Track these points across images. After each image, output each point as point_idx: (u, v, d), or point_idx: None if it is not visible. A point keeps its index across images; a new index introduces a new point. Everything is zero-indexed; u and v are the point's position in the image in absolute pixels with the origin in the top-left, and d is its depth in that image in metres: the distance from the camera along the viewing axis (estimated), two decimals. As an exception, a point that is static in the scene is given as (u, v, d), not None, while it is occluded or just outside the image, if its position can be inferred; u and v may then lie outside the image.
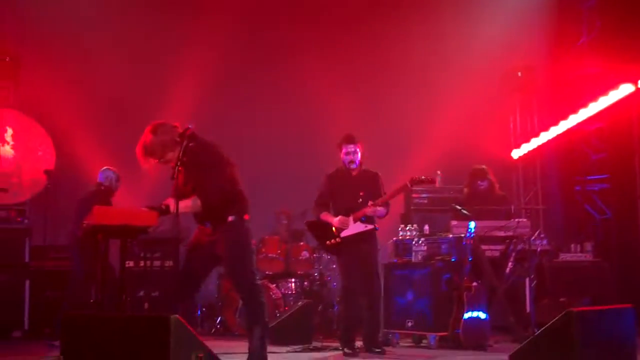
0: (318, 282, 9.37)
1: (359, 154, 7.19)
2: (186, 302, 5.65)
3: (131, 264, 8.94)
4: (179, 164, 5.27)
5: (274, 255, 9.33)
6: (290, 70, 10.76)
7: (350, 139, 7.19)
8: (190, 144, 5.36)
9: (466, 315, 7.16)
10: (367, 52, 10.79)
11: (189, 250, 5.71)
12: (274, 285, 9.05)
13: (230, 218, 5.54)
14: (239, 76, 10.62)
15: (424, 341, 7.60)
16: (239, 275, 5.64)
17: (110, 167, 8.64)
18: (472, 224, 7.26)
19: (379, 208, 7.00)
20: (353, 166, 7.19)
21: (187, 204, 5.39)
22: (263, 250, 9.34)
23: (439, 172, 9.35)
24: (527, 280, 7.89)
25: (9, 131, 9.38)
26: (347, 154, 7.17)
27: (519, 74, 10.57)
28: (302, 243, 9.49)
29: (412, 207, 9.39)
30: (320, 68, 10.63)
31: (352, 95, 10.72)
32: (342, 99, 10.61)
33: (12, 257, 8.85)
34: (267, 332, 5.67)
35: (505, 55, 10.35)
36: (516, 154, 10.75)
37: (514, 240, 7.88)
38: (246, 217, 5.65)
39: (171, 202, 5.28)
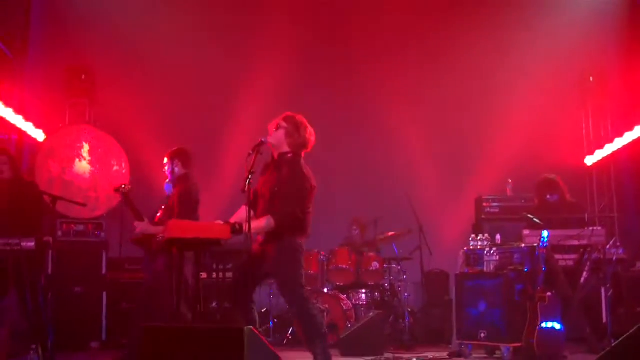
0: (389, 293, 9.35)
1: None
2: (243, 311, 5.66)
3: (204, 275, 9.08)
4: (250, 176, 5.35)
5: (345, 267, 9.33)
6: (360, 82, 10.83)
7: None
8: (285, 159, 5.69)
9: (541, 326, 7.04)
10: (433, 61, 10.71)
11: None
12: (345, 296, 9.06)
13: (285, 236, 5.61)
14: (308, 88, 10.68)
15: (498, 352, 7.50)
16: (289, 291, 5.69)
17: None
18: (546, 233, 7.14)
19: None
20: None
21: (261, 225, 5.51)
22: (333, 261, 9.37)
23: (509, 181, 9.26)
24: (603, 290, 7.72)
25: (86, 147, 9.60)
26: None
27: (591, 79, 10.41)
28: (372, 254, 9.48)
29: (483, 217, 9.30)
30: (387, 77, 10.65)
31: (419, 103, 10.70)
32: (410, 107, 10.61)
33: (89, 270, 9.06)
34: (327, 342, 5.67)
35: (576, 60, 10.19)
36: (590, 160, 10.56)
37: (589, 249, 7.73)
38: (302, 238, 5.72)
39: (244, 222, 5.34)
